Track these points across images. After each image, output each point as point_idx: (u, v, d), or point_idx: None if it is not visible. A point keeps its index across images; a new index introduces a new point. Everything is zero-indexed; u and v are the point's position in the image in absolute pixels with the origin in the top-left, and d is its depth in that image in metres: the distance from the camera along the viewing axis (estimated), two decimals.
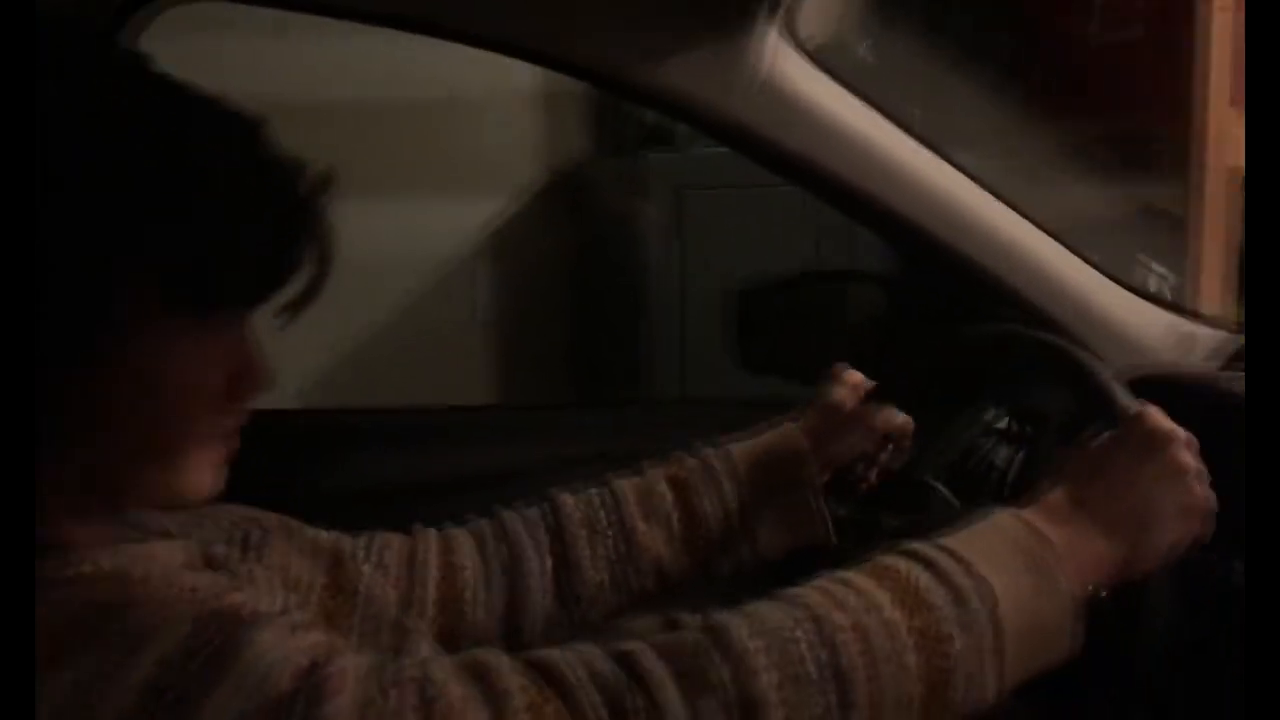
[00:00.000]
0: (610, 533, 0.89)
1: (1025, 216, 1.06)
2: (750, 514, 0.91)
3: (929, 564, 0.61)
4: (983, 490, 1.03)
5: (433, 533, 0.89)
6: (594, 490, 0.92)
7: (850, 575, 0.61)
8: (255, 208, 0.58)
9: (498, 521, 0.90)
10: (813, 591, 0.60)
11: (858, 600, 0.59)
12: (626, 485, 0.92)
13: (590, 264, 2.71)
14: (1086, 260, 1.08)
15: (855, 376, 0.95)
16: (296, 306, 0.62)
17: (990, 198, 1.04)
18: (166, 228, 0.55)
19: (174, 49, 0.69)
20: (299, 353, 2.52)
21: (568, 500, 0.91)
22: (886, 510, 0.94)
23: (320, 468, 0.99)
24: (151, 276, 0.55)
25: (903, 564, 0.61)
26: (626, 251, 2.44)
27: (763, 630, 0.56)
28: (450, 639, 0.85)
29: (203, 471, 0.61)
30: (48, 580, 0.52)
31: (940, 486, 0.96)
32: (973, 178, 1.04)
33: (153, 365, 0.57)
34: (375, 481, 0.91)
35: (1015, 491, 1.01)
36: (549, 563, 0.88)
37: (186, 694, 0.49)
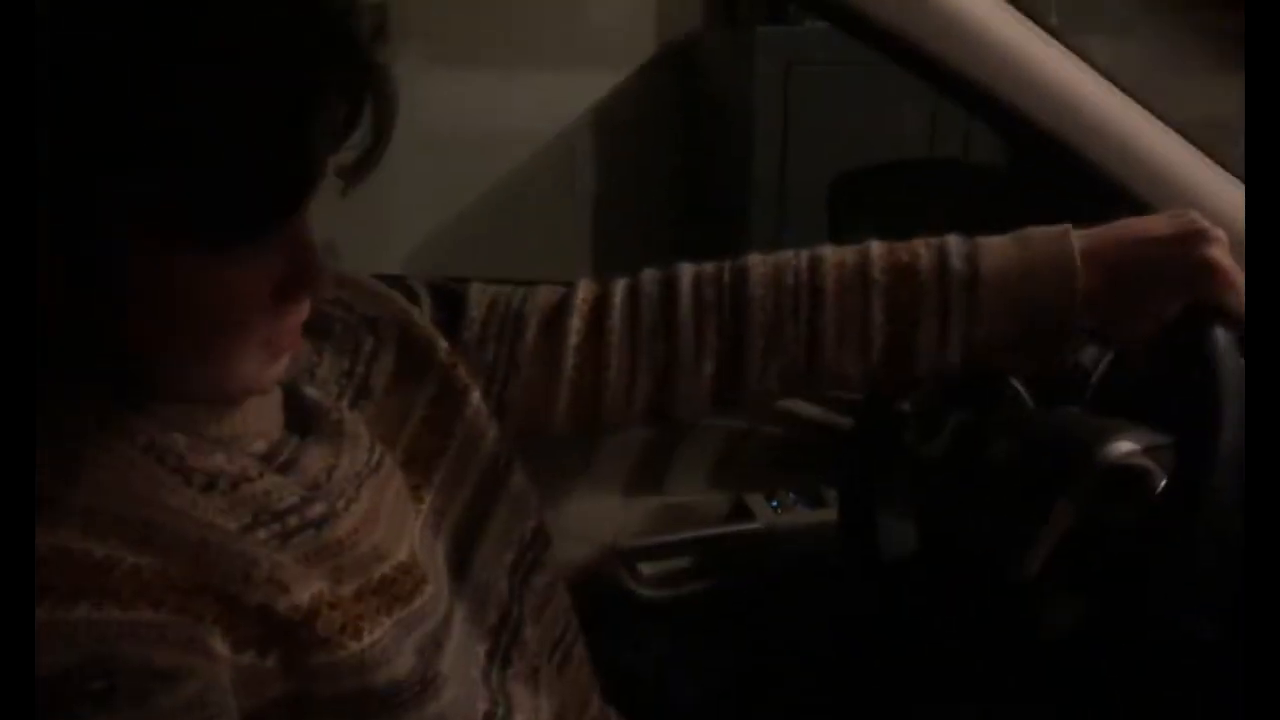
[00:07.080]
0: (792, 348, 0.76)
1: (1154, 112, 1.00)
2: (980, 338, 0.76)
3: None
4: (1065, 389, 1.00)
5: (583, 301, 0.79)
6: (793, 279, 0.77)
7: None
8: (245, 128, 0.50)
9: (667, 302, 0.78)
10: None
11: None
12: (832, 280, 0.76)
13: (694, 139, 2.67)
14: (1217, 159, 1.02)
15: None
16: (353, 176, 0.59)
17: (1117, 91, 0.98)
18: (147, 168, 0.49)
19: None
20: (403, 220, 2.57)
21: (757, 287, 0.77)
22: (958, 404, 0.91)
23: None
24: (142, 219, 0.51)
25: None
26: (731, 127, 2.39)
27: None
28: (590, 418, 0.79)
29: (261, 368, 0.60)
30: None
31: (1016, 383, 0.93)
32: (1102, 71, 0.98)
33: (173, 292, 0.54)
34: None
35: (1099, 392, 0.98)
36: (710, 367, 0.77)
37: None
